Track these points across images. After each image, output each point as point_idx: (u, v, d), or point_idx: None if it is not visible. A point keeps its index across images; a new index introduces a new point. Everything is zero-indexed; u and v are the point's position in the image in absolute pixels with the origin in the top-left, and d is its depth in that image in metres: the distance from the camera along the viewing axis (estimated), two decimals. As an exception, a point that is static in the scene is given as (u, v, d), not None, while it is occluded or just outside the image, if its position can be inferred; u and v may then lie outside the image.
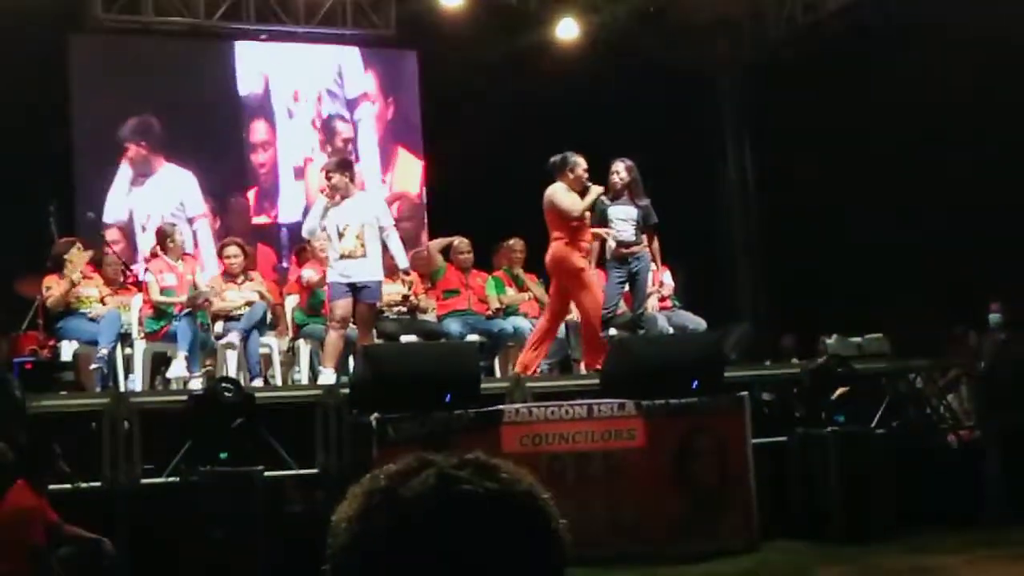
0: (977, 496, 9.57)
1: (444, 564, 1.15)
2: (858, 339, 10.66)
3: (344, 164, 9.94)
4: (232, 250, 10.65)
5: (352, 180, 9.66)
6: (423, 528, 1.17)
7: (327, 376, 9.36)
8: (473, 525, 1.17)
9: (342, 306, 9.35)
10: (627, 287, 9.94)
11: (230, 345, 9.99)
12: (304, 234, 10.10)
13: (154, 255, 10.43)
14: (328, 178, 9.57)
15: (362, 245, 9.31)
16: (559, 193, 9.58)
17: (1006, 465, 9.71)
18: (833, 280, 12.06)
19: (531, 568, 1.19)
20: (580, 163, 9.64)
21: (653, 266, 11.03)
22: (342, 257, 9.30)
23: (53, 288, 9.78)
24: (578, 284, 9.65)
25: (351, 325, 9.57)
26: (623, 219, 9.80)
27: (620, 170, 9.86)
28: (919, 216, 12.82)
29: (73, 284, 9.78)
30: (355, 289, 9.34)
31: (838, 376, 9.49)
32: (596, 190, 9.61)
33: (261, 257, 13.20)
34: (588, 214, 9.66)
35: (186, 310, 9.74)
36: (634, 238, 9.77)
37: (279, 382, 10.34)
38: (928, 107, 12.59)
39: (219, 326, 10.18)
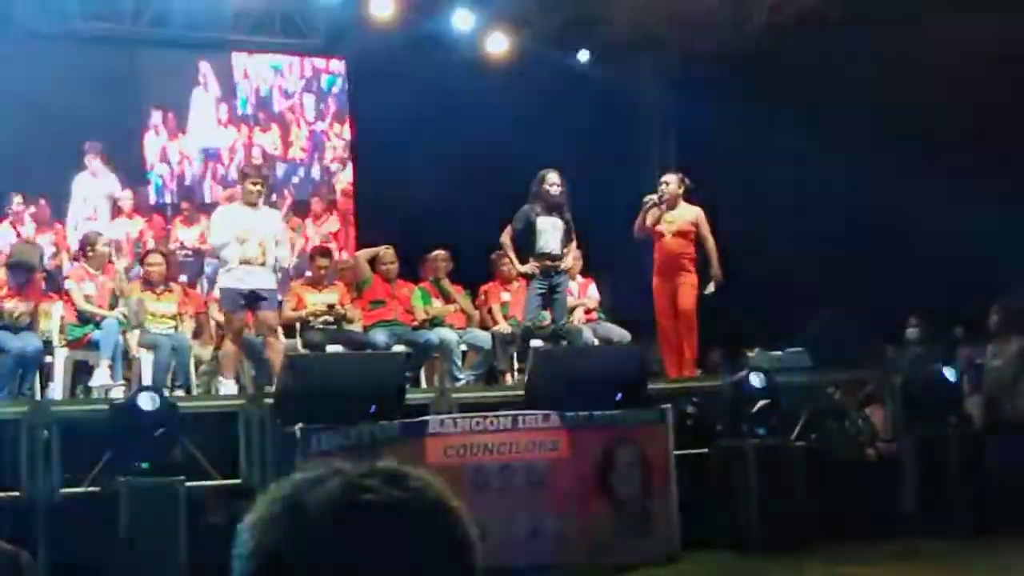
0: (894, 508, 9.74)
1: (342, 573, 1.13)
2: (779, 353, 10.81)
3: (262, 174, 9.90)
4: (155, 258, 10.48)
5: (266, 192, 9.58)
6: (322, 537, 1.14)
7: (229, 387, 9.34)
8: (373, 534, 1.14)
9: (240, 319, 9.34)
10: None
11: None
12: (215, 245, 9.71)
13: (75, 259, 10.27)
14: (252, 183, 9.42)
15: (263, 253, 9.28)
16: None
17: (922, 477, 9.89)
18: (757, 295, 12.20)
19: None
20: (663, 179, 10.51)
21: (580, 278, 11.14)
22: (242, 263, 9.21)
23: None
24: None
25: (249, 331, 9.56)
26: (550, 231, 9.85)
27: (557, 182, 9.87)
28: (840, 231, 13.03)
29: None
30: (253, 298, 9.27)
31: (759, 389, 9.60)
32: (648, 201, 10.32)
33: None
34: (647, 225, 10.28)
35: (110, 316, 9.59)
36: (559, 250, 9.81)
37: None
38: (851, 122, 12.81)
39: (135, 335, 9.99)
